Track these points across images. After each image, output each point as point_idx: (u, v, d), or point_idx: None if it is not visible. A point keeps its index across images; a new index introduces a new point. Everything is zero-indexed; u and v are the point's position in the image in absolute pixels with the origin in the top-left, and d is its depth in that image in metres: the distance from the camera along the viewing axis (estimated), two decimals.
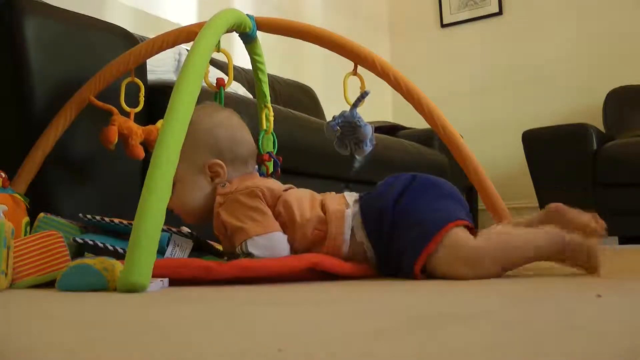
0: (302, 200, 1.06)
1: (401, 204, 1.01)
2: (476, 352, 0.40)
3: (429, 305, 0.67)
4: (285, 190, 1.08)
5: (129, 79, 1.37)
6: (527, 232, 1.00)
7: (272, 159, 1.36)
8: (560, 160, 2.90)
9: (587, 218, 1.03)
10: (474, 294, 0.77)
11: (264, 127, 1.40)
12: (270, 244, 0.99)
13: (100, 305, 0.70)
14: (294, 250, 1.03)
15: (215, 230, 1.08)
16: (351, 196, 1.08)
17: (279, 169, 1.38)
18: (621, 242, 2.87)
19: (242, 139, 1.14)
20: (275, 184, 1.09)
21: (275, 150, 1.41)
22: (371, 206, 1.03)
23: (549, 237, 0.97)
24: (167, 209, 1.09)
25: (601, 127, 3.18)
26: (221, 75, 1.65)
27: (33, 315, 0.63)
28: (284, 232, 1.02)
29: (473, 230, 1.01)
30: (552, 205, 1.07)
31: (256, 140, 1.31)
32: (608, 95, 3.31)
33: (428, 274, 0.97)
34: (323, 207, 1.05)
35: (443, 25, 4.07)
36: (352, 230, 1.03)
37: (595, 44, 3.53)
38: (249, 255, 0.98)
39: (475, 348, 0.41)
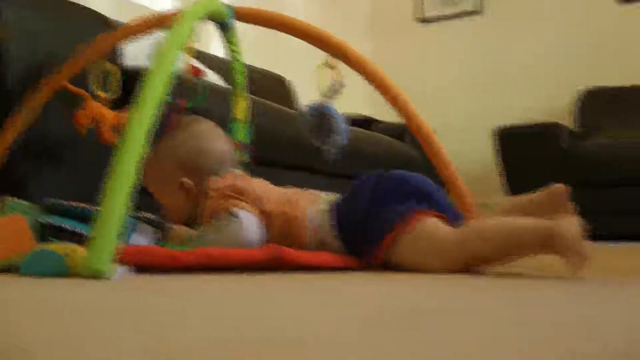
0: (275, 196, 1.11)
1: (370, 212, 1.02)
2: (473, 352, 0.38)
3: (410, 300, 0.67)
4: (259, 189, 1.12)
5: (102, 64, 1.35)
6: (512, 222, 0.92)
7: (244, 148, 1.37)
8: (530, 157, 2.95)
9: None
10: (470, 290, 0.76)
11: (238, 116, 1.41)
12: (244, 214, 1.04)
13: (65, 291, 0.69)
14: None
15: (204, 218, 1.12)
16: (327, 199, 1.10)
17: (252, 158, 1.39)
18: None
19: (207, 149, 1.17)
20: (251, 185, 1.12)
21: (249, 140, 1.41)
22: (343, 220, 1.06)
23: (532, 231, 0.88)
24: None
25: (574, 127, 3.23)
26: (197, 64, 1.64)
27: None
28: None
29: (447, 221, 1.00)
30: (560, 186, 0.98)
31: (229, 130, 1.31)
32: (581, 95, 3.37)
33: (394, 265, 0.99)
34: (292, 201, 1.09)
35: (422, 21, 4.08)
36: (316, 228, 1.07)
37: (574, 44, 3.56)
38: (231, 214, 1.03)
39: (472, 348, 0.40)
